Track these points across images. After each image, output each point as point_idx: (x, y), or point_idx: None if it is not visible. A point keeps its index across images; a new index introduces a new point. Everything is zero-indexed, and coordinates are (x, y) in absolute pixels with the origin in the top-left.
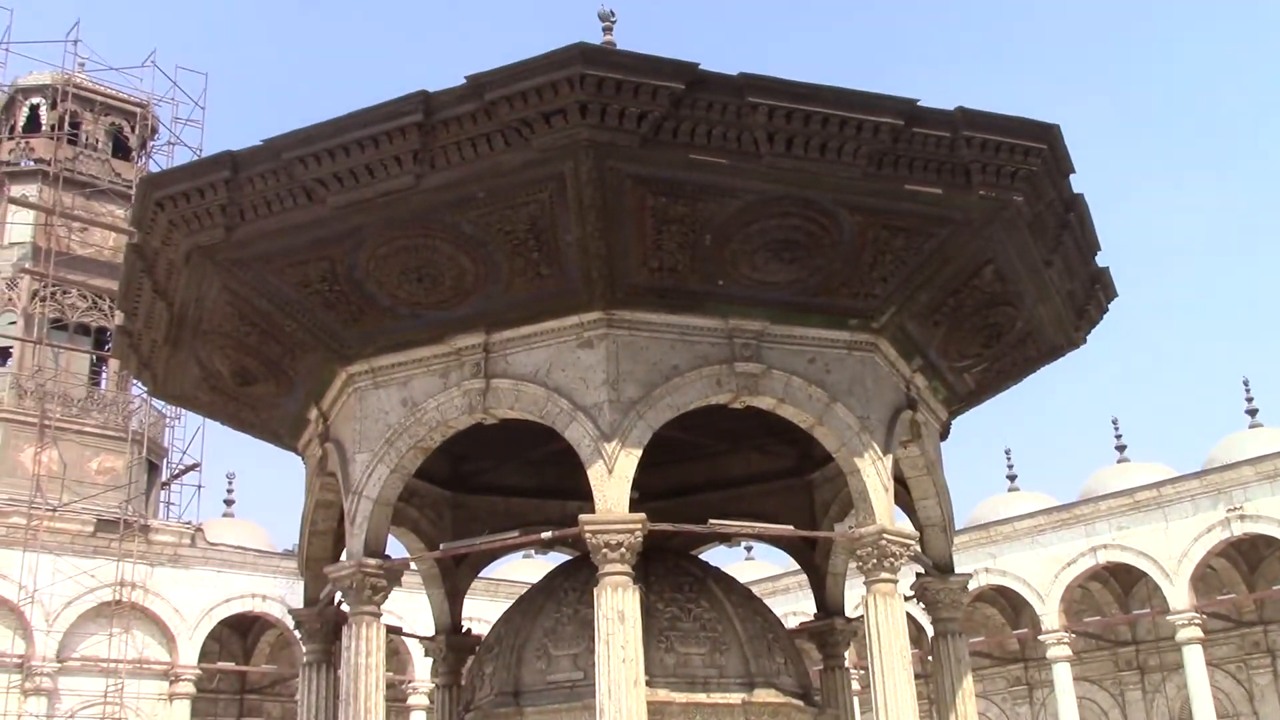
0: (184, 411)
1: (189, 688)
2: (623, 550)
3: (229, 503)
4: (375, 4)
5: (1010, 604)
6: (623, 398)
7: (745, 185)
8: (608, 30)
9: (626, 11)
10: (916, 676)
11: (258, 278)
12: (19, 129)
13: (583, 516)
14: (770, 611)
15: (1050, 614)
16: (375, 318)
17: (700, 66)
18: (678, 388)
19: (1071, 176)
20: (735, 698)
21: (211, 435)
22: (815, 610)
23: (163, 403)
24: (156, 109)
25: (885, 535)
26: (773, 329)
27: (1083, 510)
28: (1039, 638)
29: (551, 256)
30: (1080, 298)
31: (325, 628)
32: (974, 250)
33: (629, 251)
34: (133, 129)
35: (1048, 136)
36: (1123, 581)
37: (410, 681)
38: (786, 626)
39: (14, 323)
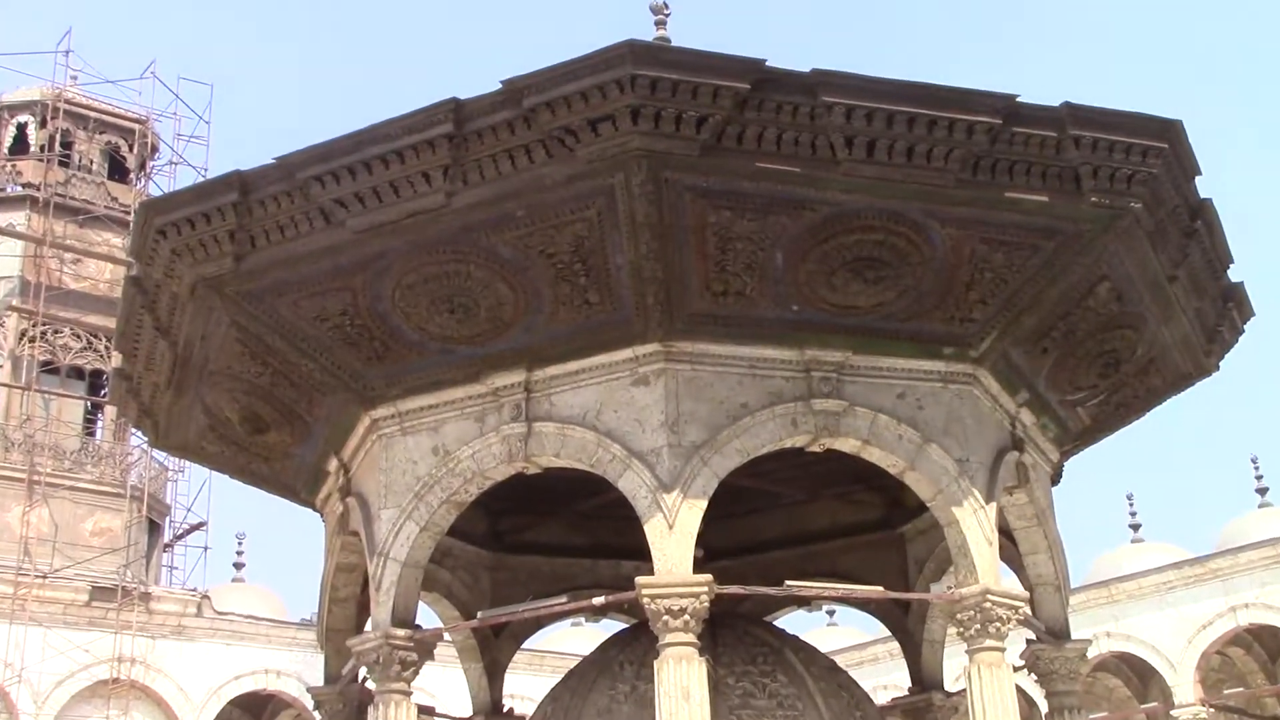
0: (188, 464)
1: None
2: (686, 617)
3: (239, 566)
4: (400, 2)
5: (1137, 674)
6: (684, 442)
7: (821, 196)
8: (660, 25)
9: (681, 3)
10: None
11: (270, 312)
12: (4, 150)
13: (640, 579)
14: (857, 685)
15: (1184, 685)
16: (402, 355)
17: (767, 63)
18: (747, 429)
19: (1197, 179)
20: None
21: (219, 491)
22: (909, 683)
23: (165, 454)
24: (156, 125)
25: (990, 596)
26: (855, 360)
27: (1220, 563)
28: (1172, 713)
29: (600, 282)
30: (1211, 318)
31: (348, 708)
32: (1086, 266)
33: (689, 274)
34: (130, 148)
35: (1169, 134)
36: (1269, 647)
37: None
38: (876, 703)
39: (0, 366)
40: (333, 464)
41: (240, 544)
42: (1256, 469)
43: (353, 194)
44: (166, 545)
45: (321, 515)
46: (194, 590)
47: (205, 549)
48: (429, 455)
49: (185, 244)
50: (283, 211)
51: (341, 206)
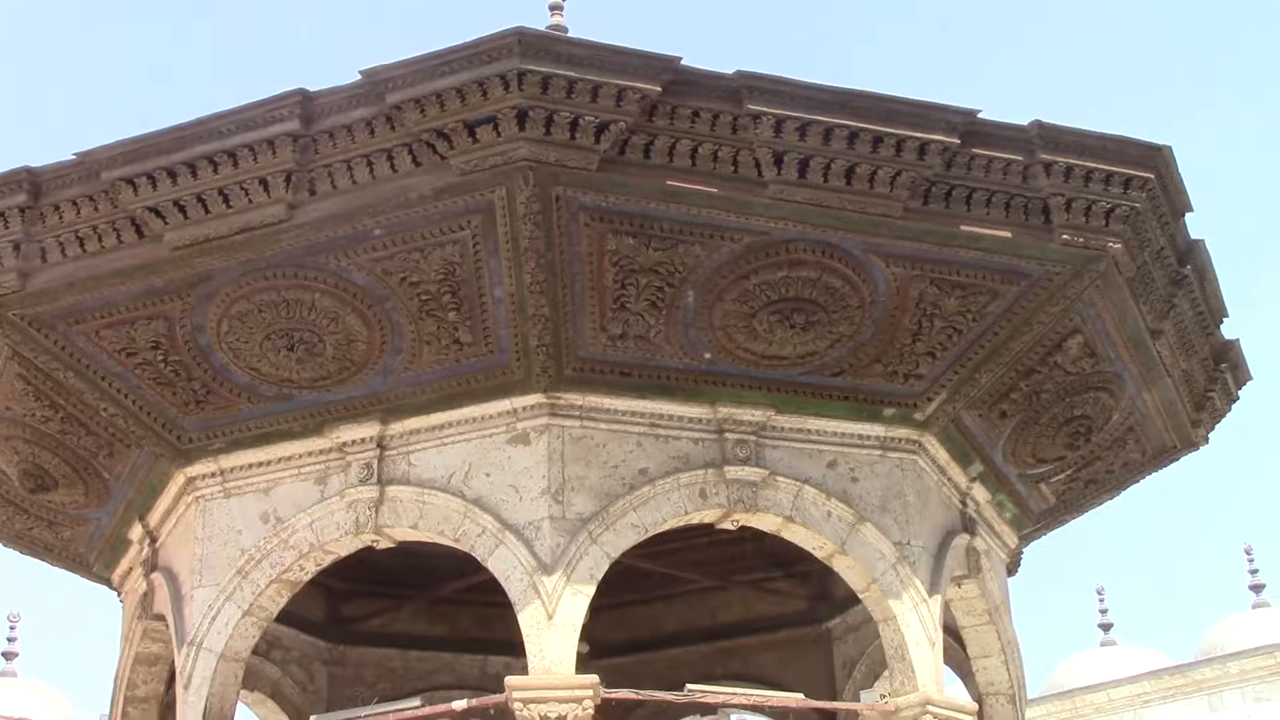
0: None
1: None
2: None
3: (9, 656)
4: None
5: None
6: (570, 514)
7: (743, 224)
8: (556, 11)
9: None
10: None
11: (64, 342)
12: None
13: (510, 680)
14: None
15: None
16: (228, 400)
17: (682, 62)
18: (646, 500)
19: (1187, 216)
20: None
21: None
22: None
23: None
24: None
25: (931, 708)
26: (778, 420)
27: (1205, 673)
28: None
29: (474, 318)
30: (1200, 381)
31: None
32: (1055, 316)
33: (581, 312)
34: None
35: (1155, 162)
36: None
37: None
38: None
39: None
40: (136, 532)
41: (13, 627)
42: (1251, 561)
43: (172, 201)
44: None
45: (119, 595)
46: None
47: None
48: (257, 523)
49: None
50: (83, 220)
51: (157, 216)
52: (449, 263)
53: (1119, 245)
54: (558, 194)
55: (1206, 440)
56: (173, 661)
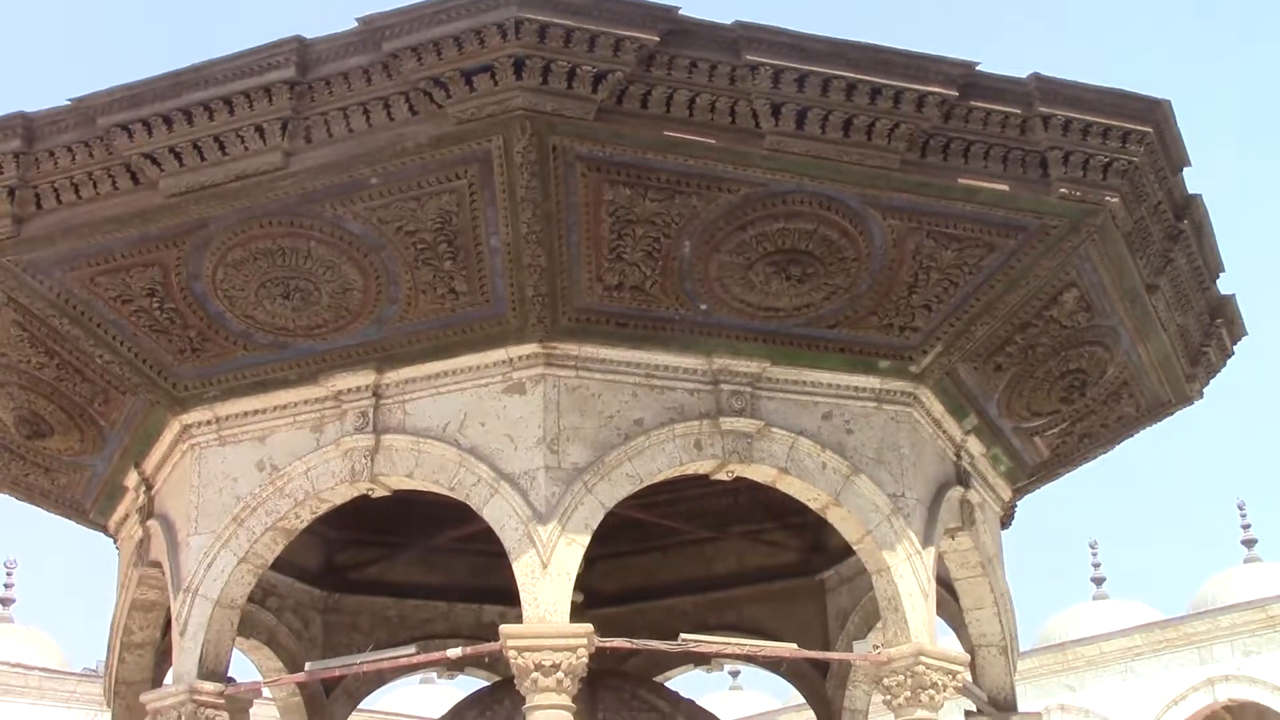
0: None
1: None
2: (560, 674)
3: (6, 603)
4: None
5: None
6: (565, 463)
7: (740, 175)
8: None
9: None
10: None
11: (59, 289)
12: None
13: (505, 627)
14: None
15: None
16: (223, 348)
17: (681, 11)
18: (641, 451)
19: (1185, 171)
20: None
21: None
22: None
23: None
24: None
25: (923, 658)
26: (774, 372)
27: (1196, 627)
28: None
29: (470, 267)
30: (1195, 336)
31: None
32: (1051, 269)
33: (577, 262)
34: None
35: (1154, 116)
36: None
37: None
38: None
39: None
40: (132, 479)
41: (9, 574)
42: (1243, 516)
43: (168, 148)
44: None
45: (115, 541)
46: None
47: None
48: (252, 471)
49: None
50: (78, 166)
51: (153, 163)
52: (445, 212)
53: (1116, 199)
54: (555, 144)
55: (1201, 395)
56: (169, 608)
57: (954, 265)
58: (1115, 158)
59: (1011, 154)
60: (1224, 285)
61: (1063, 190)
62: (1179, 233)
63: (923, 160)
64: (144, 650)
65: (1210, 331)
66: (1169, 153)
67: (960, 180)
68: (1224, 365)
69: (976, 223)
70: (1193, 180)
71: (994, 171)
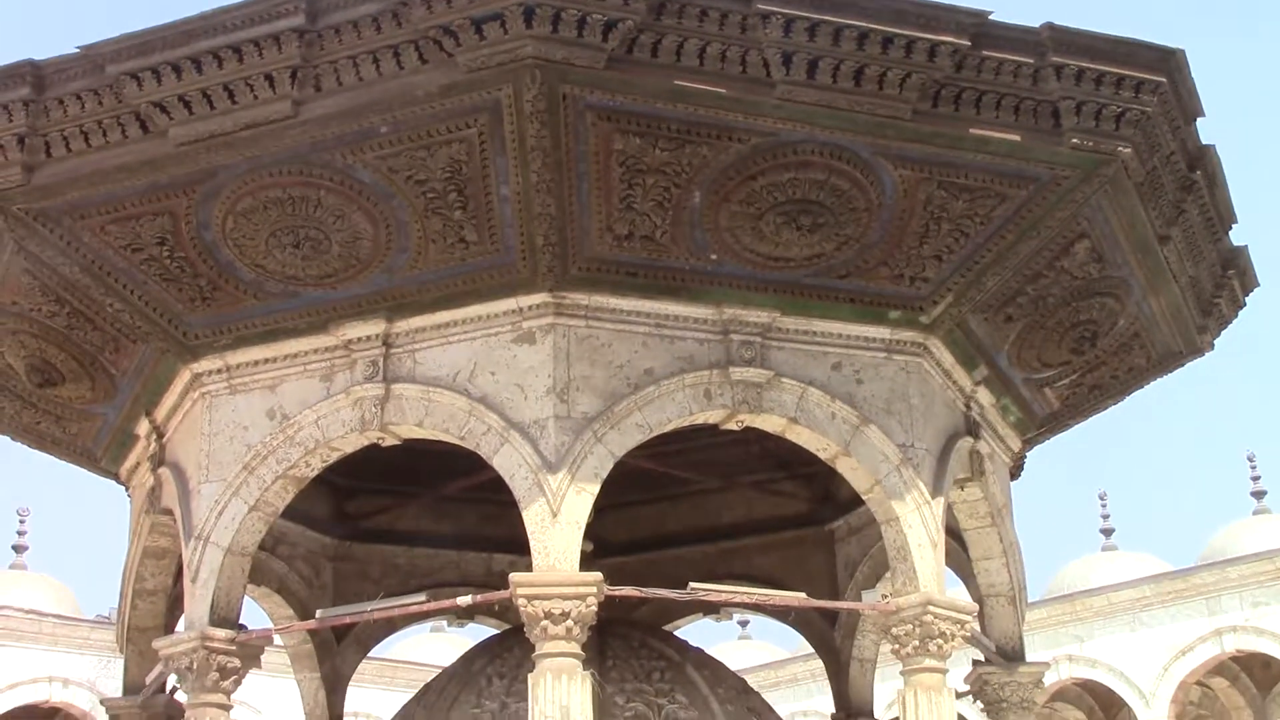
0: None
1: None
2: (569, 623)
3: (19, 550)
4: None
5: (1101, 705)
6: (575, 413)
7: (751, 124)
8: None
9: None
10: None
11: (69, 237)
12: None
13: (515, 576)
14: (771, 711)
15: None
16: (234, 296)
17: None
18: (651, 400)
19: (1199, 121)
20: None
21: None
22: (834, 709)
23: None
24: None
25: (931, 608)
26: (784, 322)
27: (1205, 578)
28: None
29: (480, 216)
30: (1207, 287)
31: None
32: (1062, 220)
33: (587, 212)
34: None
35: (1168, 66)
36: (1259, 679)
37: None
38: None
39: None
40: (143, 427)
41: (22, 522)
42: (1253, 468)
43: (177, 97)
44: None
45: (127, 489)
46: None
47: None
48: (263, 420)
49: None
50: (88, 114)
51: (162, 112)
52: (455, 161)
53: (1129, 150)
54: (565, 92)
55: (1212, 346)
56: (180, 555)
57: (965, 216)
58: (1128, 108)
59: (1024, 104)
60: (1236, 236)
61: (1075, 141)
62: (1192, 183)
63: (934, 110)
64: (156, 597)
65: (1222, 283)
66: (1182, 103)
67: (972, 130)
68: (1235, 316)
69: (988, 173)
70: (1206, 131)
71: (1006, 122)
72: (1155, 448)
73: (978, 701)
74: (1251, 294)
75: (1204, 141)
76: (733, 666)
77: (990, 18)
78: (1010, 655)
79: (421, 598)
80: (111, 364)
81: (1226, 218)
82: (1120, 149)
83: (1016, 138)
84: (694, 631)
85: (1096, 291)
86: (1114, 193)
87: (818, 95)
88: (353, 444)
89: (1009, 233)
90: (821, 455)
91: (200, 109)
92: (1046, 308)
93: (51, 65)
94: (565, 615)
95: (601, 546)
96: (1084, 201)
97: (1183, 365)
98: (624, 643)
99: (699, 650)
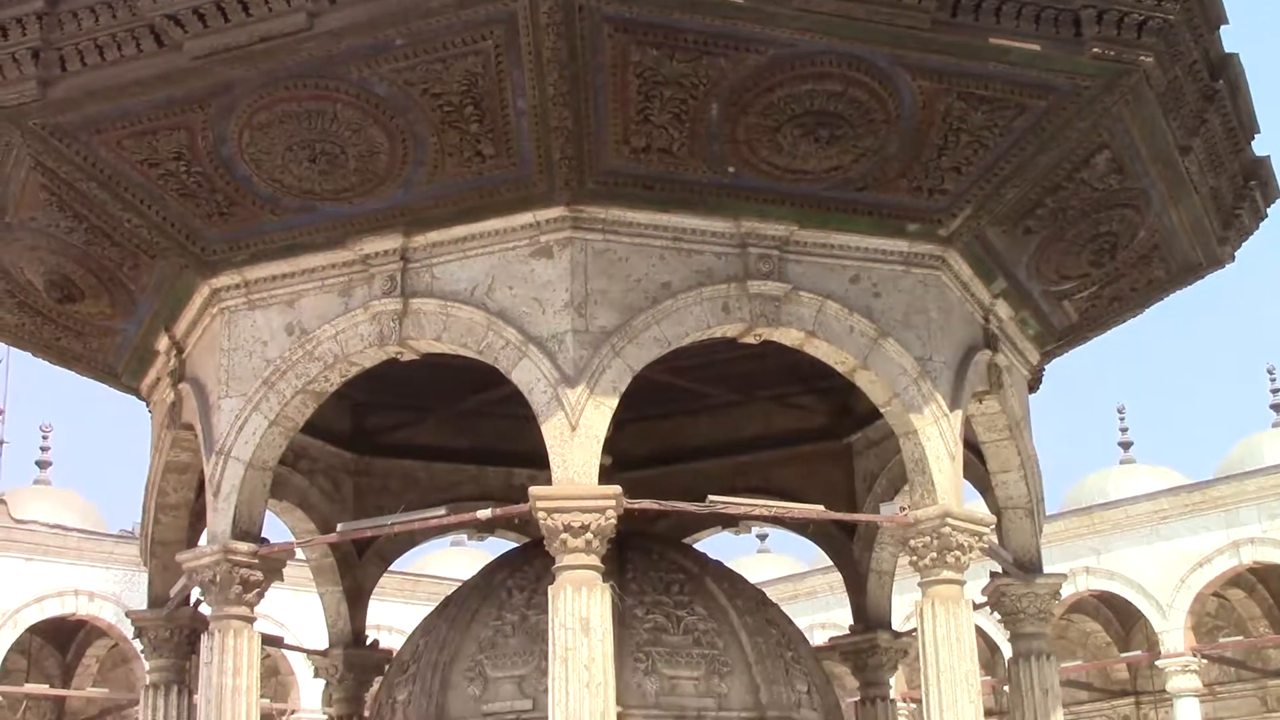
0: None
1: None
2: (589, 535)
3: (43, 465)
4: None
5: (1119, 617)
6: (593, 326)
7: (769, 35)
8: None
9: None
10: (987, 713)
11: (86, 152)
12: None
13: (534, 489)
14: (790, 622)
15: (1173, 631)
16: (251, 211)
17: None
18: (669, 314)
19: (1222, 29)
20: None
21: (19, 372)
22: (851, 621)
23: None
24: None
25: (949, 520)
26: (802, 235)
27: (1223, 491)
28: (1157, 663)
29: (496, 130)
30: (1228, 198)
31: (177, 637)
32: (1083, 131)
33: (604, 125)
34: None
35: None
36: (1276, 590)
37: (294, 712)
38: (812, 643)
39: None
40: (163, 342)
41: (45, 437)
42: (1272, 381)
43: (191, 9)
44: None
45: (148, 404)
46: None
47: (1, 443)
48: (282, 335)
49: None
50: (102, 28)
51: (177, 25)
52: (471, 74)
53: (1150, 58)
54: (581, 3)
55: (1233, 258)
56: (202, 470)
57: (984, 127)
58: (1150, 16)
59: (1044, 13)
60: (1259, 147)
61: (1096, 50)
62: (1214, 93)
63: (953, 20)
64: (178, 511)
65: (1243, 193)
66: (1206, 10)
67: (991, 40)
68: (1256, 228)
69: (1007, 84)
70: (1230, 39)
71: (1026, 31)
72: (1174, 360)
73: (995, 613)
74: (1273, 205)
75: (1227, 50)
76: (751, 580)
77: None
78: (1028, 567)
79: (441, 511)
80: (130, 280)
81: (1249, 128)
82: (1142, 58)
83: (1036, 47)
84: (713, 545)
85: (1116, 203)
86: (1135, 103)
87: (836, 5)
88: (371, 359)
89: (1028, 144)
90: (839, 368)
91: (214, 21)
92: (1066, 220)
93: None
94: (584, 528)
95: (620, 460)
96: (1104, 112)
97: (1203, 277)
98: (643, 555)
99: (718, 563)
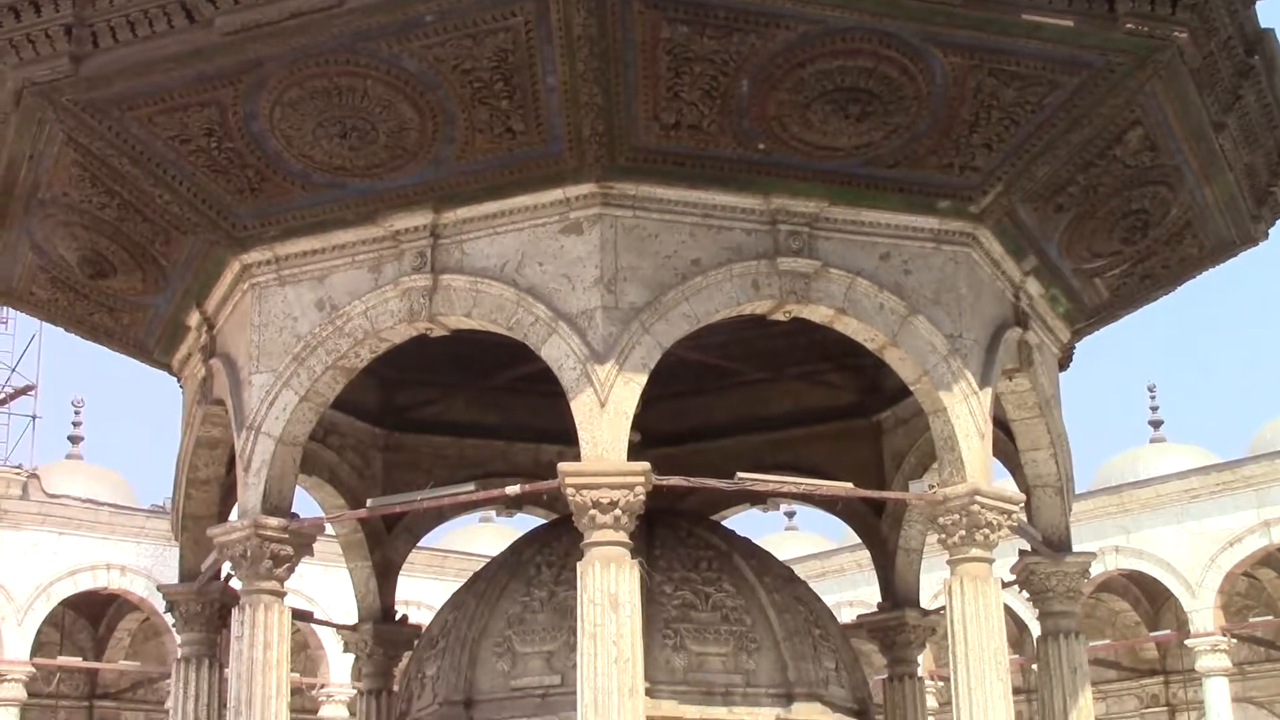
0: (12, 314)
1: (18, 690)
2: (618, 512)
3: (75, 440)
4: None
5: (1148, 596)
6: (622, 303)
7: (800, 11)
8: None
9: None
10: (1015, 691)
11: (118, 128)
12: None
13: (563, 465)
14: (818, 600)
15: (1203, 611)
16: (282, 187)
17: None
18: (698, 291)
19: (1259, 4)
20: (767, 714)
21: (52, 348)
22: (880, 599)
23: None
24: None
25: (978, 498)
26: (832, 212)
27: (1254, 470)
28: (1186, 642)
29: (526, 106)
30: (1263, 176)
31: (208, 611)
32: (1115, 108)
33: (634, 101)
34: None
35: None
36: None
37: (324, 686)
38: (840, 620)
39: None
40: (194, 318)
41: (77, 412)
42: None
43: None
44: None
45: (179, 380)
46: (19, 467)
47: (34, 418)
48: (312, 310)
49: (7, 39)
50: (134, 3)
51: (208, 1)
52: (501, 50)
53: (1185, 34)
54: None
55: (1266, 235)
56: (233, 445)
57: (1016, 103)
58: None
59: None
60: None
61: (1129, 25)
62: (1249, 69)
63: None
64: (209, 486)
65: (1277, 170)
66: None
67: (1024, 16)
68: None
69: (1039, 60)
70: (1266, 14)
71: (1059, 6)
72: (1205, 339)
73: (1024, 591)
74: None
75: (1263, 25)
76: (779, 558)
77: None
78: (1057, 546)
79: (470, 487)
80: (162, 255)
81: None
82: (1176, 34)
83: (1069, 23)
84: (741, 523)
85: (1149, 180)
86: (1169, 79)
87: None
88: (401, 334)
89: (1060, 121)
90: (869, 346)
91: None
92: (1098, 197)
93: None
94: (613, 504)
95: (649, 437)
96: (1138, 88)
97: (1236, 255)
98: (672, 532)
99: (746, 540)
